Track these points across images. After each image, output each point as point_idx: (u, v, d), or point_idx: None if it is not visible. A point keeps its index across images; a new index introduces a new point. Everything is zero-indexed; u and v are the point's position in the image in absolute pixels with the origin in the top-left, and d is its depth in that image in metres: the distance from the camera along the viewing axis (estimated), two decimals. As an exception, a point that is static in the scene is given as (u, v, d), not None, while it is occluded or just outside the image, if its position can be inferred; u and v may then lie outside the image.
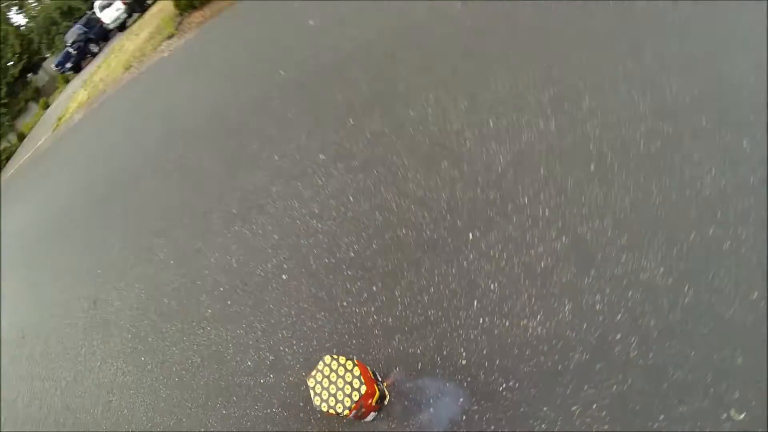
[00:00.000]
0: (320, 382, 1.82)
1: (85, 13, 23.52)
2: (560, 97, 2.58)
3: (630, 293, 1.70)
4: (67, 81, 21.09)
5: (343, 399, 1.75)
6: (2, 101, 20.38)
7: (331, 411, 1.76)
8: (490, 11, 3.62)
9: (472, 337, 1.93)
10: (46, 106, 20.50)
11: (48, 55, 26.86)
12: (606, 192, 2.03)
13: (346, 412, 1.73)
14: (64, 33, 23.00)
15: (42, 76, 26.70)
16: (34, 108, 24.31)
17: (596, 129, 2.29)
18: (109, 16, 19.04)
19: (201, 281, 3.39)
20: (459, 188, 2.53)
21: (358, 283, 2.49)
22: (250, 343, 2.68)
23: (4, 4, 26.45)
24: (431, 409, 1.82)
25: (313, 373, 1.86)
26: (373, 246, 2.61)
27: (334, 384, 1.79)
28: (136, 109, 8.73)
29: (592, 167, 2.15)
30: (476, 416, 1.73)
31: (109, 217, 5.59)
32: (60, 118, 13.73)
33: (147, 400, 2.93)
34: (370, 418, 1.89)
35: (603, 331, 1.66)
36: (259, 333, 2.69)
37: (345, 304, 2.44)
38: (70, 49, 20.27)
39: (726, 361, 1.42)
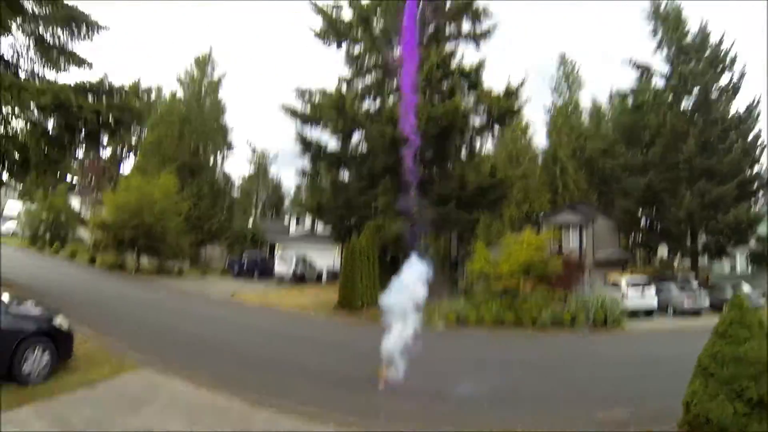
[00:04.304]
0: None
1: (263, 251, 38.63)
2: None
3: None
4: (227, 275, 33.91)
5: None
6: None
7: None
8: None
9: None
10: (204, 273, 32.35)
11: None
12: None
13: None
14: (243, 252, 37.61)
15: (211, 252, 40.38)
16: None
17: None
18: (279, 266, 32.57)
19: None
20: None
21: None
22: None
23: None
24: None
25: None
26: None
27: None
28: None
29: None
30: None
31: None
32: (233, 294, 24.60)
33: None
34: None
35: None
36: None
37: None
38: (244, 263, 33.57)
39: None
